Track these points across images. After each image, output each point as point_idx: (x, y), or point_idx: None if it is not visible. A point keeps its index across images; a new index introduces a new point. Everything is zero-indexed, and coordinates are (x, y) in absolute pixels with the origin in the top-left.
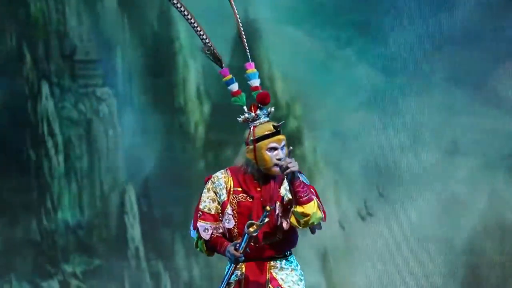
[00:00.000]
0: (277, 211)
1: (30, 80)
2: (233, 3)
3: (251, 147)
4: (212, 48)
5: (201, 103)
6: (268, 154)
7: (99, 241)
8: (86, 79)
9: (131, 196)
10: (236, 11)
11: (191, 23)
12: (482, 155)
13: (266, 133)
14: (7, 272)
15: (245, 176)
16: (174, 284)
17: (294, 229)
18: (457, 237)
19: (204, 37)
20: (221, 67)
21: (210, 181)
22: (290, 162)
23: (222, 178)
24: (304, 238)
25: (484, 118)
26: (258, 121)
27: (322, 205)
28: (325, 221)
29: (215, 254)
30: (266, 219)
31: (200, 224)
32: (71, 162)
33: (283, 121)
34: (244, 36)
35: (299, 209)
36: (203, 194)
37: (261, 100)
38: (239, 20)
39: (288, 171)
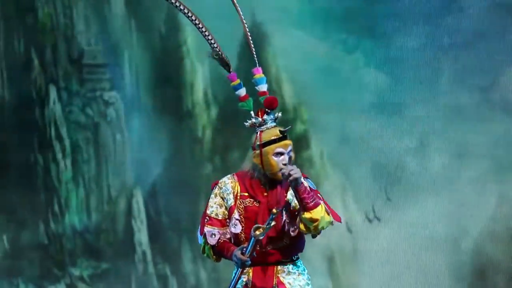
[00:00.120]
0: (284, 217)
1: (38, 85)
2: (239, 9)
3: (258, 152)
4: (220, 52)
5: (209, 107)
6: (275, 159)
7: (106, 245)
8: (94, 83)
9: (139, 200)
10: (243, 16)
11: (199, 27)
12: (489, 159)
13: (273, 138)
14: (15, 275)
15: (251, 181)
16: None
17: (301, 234)
18: (464, 241)
19: (212, 41)
20: (229, 71)
21: (217, 186)
22: (292, 169)
23: (229, 184)
24: (311, 242)
25: (492, 122)
26: (265, 126)
27: (330, 209)
28: (340, 221)
29: (222, 259)
30: (273, 223)
31: (207, 229)
32: (78, 166)
33: (289, 126)
34: (251, 41)
35: (307, 215)
36: (210, 200)
37: (269, 105)
38: (246, 26)
39: (291, 178)
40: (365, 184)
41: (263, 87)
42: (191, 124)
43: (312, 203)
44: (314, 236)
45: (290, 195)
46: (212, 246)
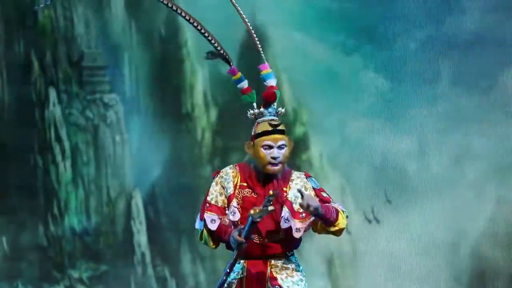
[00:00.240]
0: (285, 215)
1: (38, 87)
2: (240, 10)
3: (252, 143)
4: (218, 48)
5: (208, 109)
6: (263, 151)
7: (105, 246)
8: (94, 86)
9: (138, 202)
10: (244, 16)
11: (195, 26)
12: (489, 161)
13: (263, 130)
14: (14, 277)
15: (251, 172)
16: None
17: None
18: (464, 243)
19: (210, 38)
20: (230, 66)
21: (219, 175)
22: (309, 200)
23: (230, 173)
24: (311, 244)
25: (491, 124)
26: (262, 118)
27: (339, 205)
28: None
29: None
30: (271, 207)
31: (208, 215)
32: (78, 168)
33: (280, 122)
34: (256, 38)
35: (332, 228)
36: (211, 188)
37: (266, 98)
38: (248, 24)
39: (311, 209)
40: (365, 186)
41: (272, 82)
42: (191, 126)
43: (334, 216)
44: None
45: (292, 195)
46: (211, 232)
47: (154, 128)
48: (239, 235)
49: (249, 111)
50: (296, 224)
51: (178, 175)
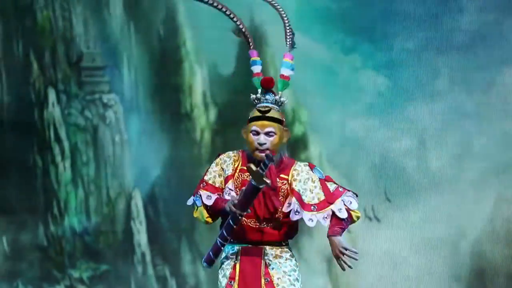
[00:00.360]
0: (295, 207)
1: (37, 87)
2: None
3: (246, 127)
4: (243, 29)
5: (207, 109)
6: (251, 137)
7: (105, 246)
8: (93, 86)
9: (138, 201)
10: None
11: (215, 6)
12: (489, 159)
13: (254, 115)
14: (14, 277)
15: (249, 157)
16: None
17: (296, 221)
18: (463, 241)
19: (235, 19)
20: (250, 47)
21: (220, 157)
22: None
23: (232, 156)
24: (310, 242)
25: (490, 122)
26: (259, 104)
27: (345, 190)
28: (357, 195)
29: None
30: (268, 180)
31: (203, 192)
32: (77, 168)
33: (268, 108)
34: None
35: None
36: (210, 168)
37: (264, 84)
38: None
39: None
40: (364, 185)
41: (286, 71)
42: (190, 126)
43: (349, 222)
44: None
45: (299, 186)
46: (206, 208)
47: (153, 128)
48: (234, 205)
49: (252, 95)
50: (307, 215)
51: (177, 175)
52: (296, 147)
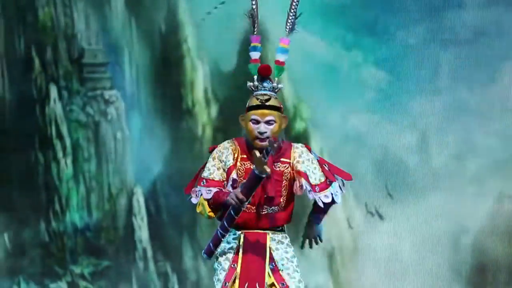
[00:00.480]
0: (307, 188)
1: (39, 84)
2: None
3: (245, 115)
4: (256, 13)
5: (209, 105)
6: (251, 125)
7: (107, 242)
8: (94, 82)
9: (139, 198)
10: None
11: None
12: (490, 155)
13: (253, 104)
14: (16, 273)
15: (248, 145)
16: (182, 285)
17: (292, 203)
18: (465, 237)
19: (254, 1)
20: (253, 33)
21: (215, 150)
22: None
23: (229, 147)
24: None
25: (492, 118)
26: (257, 92)
27: (338, 170)
28: (351, 179)
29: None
30: (268, 170)
31: (203, 189)
32: (79, 165)
33: (269, 97)
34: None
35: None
36: (207, 164)
37: (261, 71)
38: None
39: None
40: (366, 181)
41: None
42: (191, 122)
43: (328, 207)
44: None
45: (304, 166)
46: (208, 201)
47: (154, 124)
48: (237, 197)
49: (248, 82)
50: (318, 194)
51: (179, 171)
52: (297, 143)
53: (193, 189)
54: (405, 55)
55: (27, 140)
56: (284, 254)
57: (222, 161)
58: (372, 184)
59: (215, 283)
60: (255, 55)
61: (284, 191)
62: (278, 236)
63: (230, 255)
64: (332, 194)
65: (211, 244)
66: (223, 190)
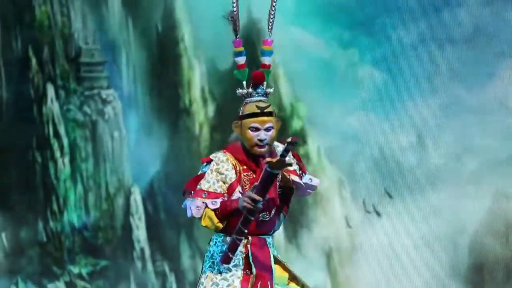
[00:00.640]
0: (297, 180)
1: (36, 83)
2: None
3: (239, 122)
4: (236, 15)
5: (206, 104)
6: (250, 133)
7: (105, 242)
8: (91, 82)
9: (137, 197)
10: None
11: None
12: (488, 153)
13: (251, 112)
14: (14, 273)
15: (243, 153)
16: (180, 284)
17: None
18: (462, 236)
19: (234, 4)
20: (236, 37)
21: (213, 163)
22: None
23: (225, 160)
24: (309, 237)
25: (490, 116)
26: (250, 98)
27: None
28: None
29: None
30: (288, 159)
31: (207, 200)
32: (76, 164)
33: (268, 104)
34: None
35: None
36: (206, 176)
37: (255, 78)
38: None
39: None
40: (363, 180)
41: (267, 60)
42: (188, 121)
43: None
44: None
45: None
46: (214, 211)
47: (152, 124)
48: (250, 198)
49: (238, 89)
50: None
51: (176, 170)
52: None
53: (191, 202)
54: (402, 54)
55: (24, 139)
56: (280, 257)
57: (222, 173)
58: (369, 183)
59: None
60: (241, 60)
61: (280, 191)
62: (271, 239)
63: (240, 261)
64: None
65: (228, 252)
66: (228, 199)
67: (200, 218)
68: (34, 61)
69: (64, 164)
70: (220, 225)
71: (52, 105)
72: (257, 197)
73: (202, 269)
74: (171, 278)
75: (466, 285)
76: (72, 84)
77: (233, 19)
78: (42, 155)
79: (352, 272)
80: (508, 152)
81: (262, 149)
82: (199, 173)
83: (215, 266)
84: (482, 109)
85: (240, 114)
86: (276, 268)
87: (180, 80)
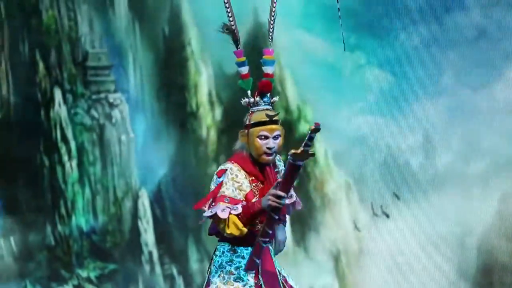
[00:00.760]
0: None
1: (43, 87)
2: None
3: (246, 131)
4: (233, 26)
5: (213, 107)
6: (259, 141)
7: (113, 246)
8: (98, 85)
9: (144, 201)
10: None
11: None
12: (494, 155)
13: (260, 120)
14: (22, 277)
15: (250, 163)
16: (188, 287)
17: None
18: (470, 238)
19: (230, 14)
20: (237, 47)
21: (226, 173)
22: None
23: (239, 171)
24: (317, 240)
25: (496, 119)
26: (257, 107)
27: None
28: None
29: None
30: (311, 151)
31: (229, 205)
32: (84, 168)
33: (278, 112)
34: (272, 18)
35: None
36: (224, 184)
37: (262, 87)
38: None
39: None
40: (370, 183)
41: (270, 69)
42: (196, 124)
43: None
44: None
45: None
46: (237, 215)
47: (159, 127)
48: (275, 195)
49: (243, 98)
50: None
51: (183, 174)
52: (300, 145)
53: (214, 209)
54: (408, 57)
55: (32, 143)
56: (279, 265)
57: (238, 182)
58: (376, 186)
59: None
60: (244, 70)
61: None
62: (271, 247)
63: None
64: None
65: (254, 258)
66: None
67: (219, 225)
68: (41, 65)
69: (72, 168)
70: (245, 230)
71: (60, 109)
72: (281, 193)
73: (207, 279)
74: (179, 281)
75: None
76: (80, 88)
77: (229, 31)
78: (50, 159)
79: (360, 274)
80: None
81: (270, 157)
82: (211, 187)
83: (225, 276)
84: (488, 111)
85: (247, 123)
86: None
87: (187, 84)
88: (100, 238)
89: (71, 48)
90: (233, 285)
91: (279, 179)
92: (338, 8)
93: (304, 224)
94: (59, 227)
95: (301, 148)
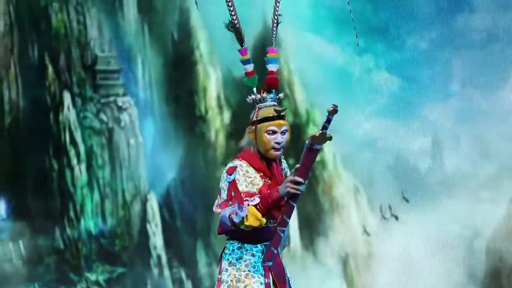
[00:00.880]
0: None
1: (52, 91)
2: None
3: (253, 128)
4: (237, 25)
5: (221, 111)
6: (267, 136)
7: (121, 249)
8: (107, 89)
9: (153, 204)
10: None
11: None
12: (503, 159)
13: (268, 116)
14: (31, 280)
15: (258, 159)
16: None
17: None
18: (479, 240)
19: (233, 13)
20: (241, 46)
21: (237, 170)
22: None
23: (246, 167)
24: (326, 243)
25: (504, 122)
26: (263, 103)
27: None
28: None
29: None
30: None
31: (248, 199)
32: (93, 171)
33: (285, 108)
34: (275, 20)
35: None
36: (237, 181)
37: (269, 83)
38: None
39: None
40: (379, 186)
41: (274, 67)
42: (204, 128)
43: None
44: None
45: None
46: (255, 206)
47: (168, 131)
48: (293, 181)
49: (249, 95)
50: None
51: (192, 177)
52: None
53: (233, 209)
54: (417, 60)
55: (41, 147)
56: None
57: (250, 177)
58: (384, 189)
59: None
60: (249, 67)
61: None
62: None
63: (261, 268)
64: None
65: (272, 249)
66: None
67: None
68: (50, 69)
69: (80, 172)
70: (264, 220)
71: (69, 113)
72: (299, 179)
73: (218, 278)
74: (188, 285)
75: None
76: (89, 91)
77: (234, 29)
78: (59, 163)
79: (368, 278)
80: None
81: (278, 152)
82: (222, 185)
83: (235, 273)
84: (497, 115)
85: (254, 119)
86: None
87: (196, 87)
88: (109, 241)
89: (80, 52)
90: (244, 282)
91: (297, 165)
92: (350, 11)
93: (313, 228)
94: (68, 231)
95: (319, 131)
